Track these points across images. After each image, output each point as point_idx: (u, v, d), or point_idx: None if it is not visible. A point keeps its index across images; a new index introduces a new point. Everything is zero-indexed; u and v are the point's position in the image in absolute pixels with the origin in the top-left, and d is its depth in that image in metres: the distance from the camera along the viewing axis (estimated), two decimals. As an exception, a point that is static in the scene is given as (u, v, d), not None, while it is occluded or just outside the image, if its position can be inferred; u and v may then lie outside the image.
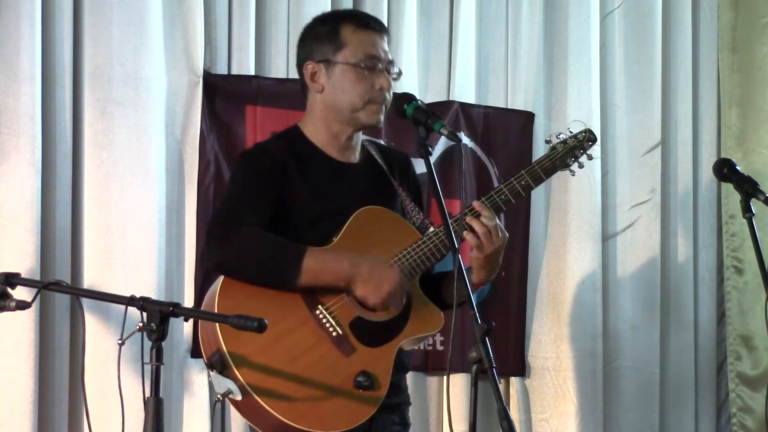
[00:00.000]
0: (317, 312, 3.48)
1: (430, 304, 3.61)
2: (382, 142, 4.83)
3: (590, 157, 3.80)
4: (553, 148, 3.76)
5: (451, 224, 3.33)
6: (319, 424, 3.36)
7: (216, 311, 3.38)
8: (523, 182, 3.68)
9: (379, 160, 3.74)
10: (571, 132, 3.79)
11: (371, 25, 3.69)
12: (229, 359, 3.33)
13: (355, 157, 3.71)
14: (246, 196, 3.54)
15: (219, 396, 3.36)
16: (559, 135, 3.77)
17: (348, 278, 3.48)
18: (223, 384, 3.34)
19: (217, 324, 3.34)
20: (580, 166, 3.79)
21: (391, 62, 3.67)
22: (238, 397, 3.34)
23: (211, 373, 3.38)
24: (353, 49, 3.62)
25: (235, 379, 3.33)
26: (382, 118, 3.65)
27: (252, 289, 3.44)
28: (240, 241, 3.44)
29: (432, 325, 3.60)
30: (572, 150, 3.76)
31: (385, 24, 4.86)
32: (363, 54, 3.61)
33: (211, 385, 4.24)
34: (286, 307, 3.45)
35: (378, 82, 3.61)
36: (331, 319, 3.48)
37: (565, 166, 3.76)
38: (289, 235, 3.51)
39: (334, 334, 3.47)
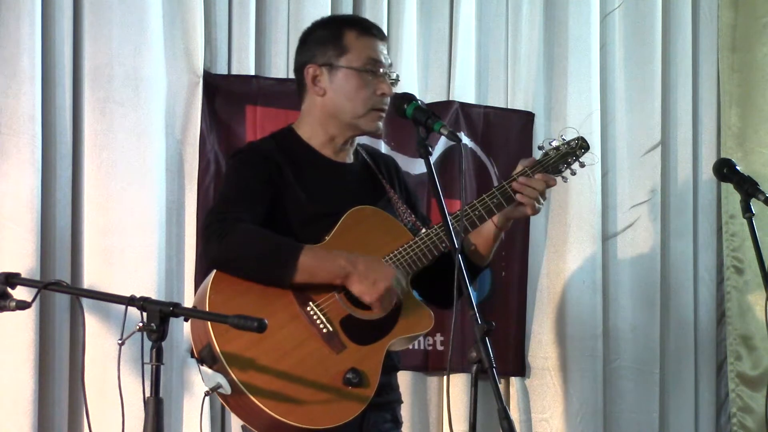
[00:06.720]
0: (308, 308, 3.48)
1: (420, 304, 3.61)
2: (384, 144, 4.84)
3: (582, 165, 3.80)
4: (546, 154, 3.75)
5: (451, 223, 3.33)
6: (307, 420, 3.36)
7: (207, 306, 3.38)
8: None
9: (370, 163, 3.75)
10: (563, 139, 3.78)
11: (373, 31, 3.71)
12: (219, 354, 3.33)
13: (350, 157, 3.72)
14: (241, 194, 3.54)
15: (209, 390, 3.36)
16: (551, 142, 3.77)
17: (344, 276, 3.48)
18: (213, 378, 3.34)
19: None
20: (573, 173, 3.80)
21: (390, 67, 3.69)
22: (228, 392, 3.34)
23: (200, 367, 3.38)
24: (357, 53, 3.63)
25: (224, 374, 3.33)
26: (381, 125, 3.66)
27: (243, 285, 3.44)
28: (236, 238, 3.43)
29: (422, 325, 3.59)
30: (564, 157, 3.75)
31: (385, 24, 4.93)
32: (366, 58, 3.63)
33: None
34: (276, 303, 3.45)
35: (380, 87, 3.62)
36: (321, 316, 3.48)
37: (557, 172, 3.75)
38: (282, 234, 3.51)
39: (325, 330, 3.47)
